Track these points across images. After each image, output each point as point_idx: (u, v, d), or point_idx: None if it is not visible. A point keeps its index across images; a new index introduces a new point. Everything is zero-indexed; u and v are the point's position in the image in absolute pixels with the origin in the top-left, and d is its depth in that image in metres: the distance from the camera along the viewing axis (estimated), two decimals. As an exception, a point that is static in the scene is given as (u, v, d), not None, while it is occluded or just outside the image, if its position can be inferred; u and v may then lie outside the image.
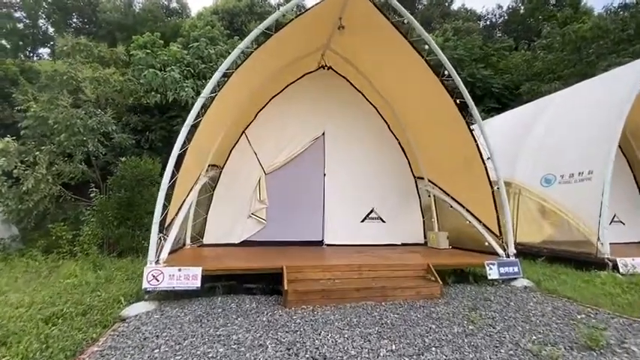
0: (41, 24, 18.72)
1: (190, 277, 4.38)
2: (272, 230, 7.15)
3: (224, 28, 15.99)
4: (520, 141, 8.84)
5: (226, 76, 5.10)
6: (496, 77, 16.74)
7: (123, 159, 8.77)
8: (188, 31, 15.07)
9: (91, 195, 8.38)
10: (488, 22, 27.53)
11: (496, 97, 16.20)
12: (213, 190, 7.06)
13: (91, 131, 8.69)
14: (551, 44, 16.30)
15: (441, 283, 4.78)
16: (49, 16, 18.69)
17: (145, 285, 4.25)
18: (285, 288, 4.25)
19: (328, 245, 7.21)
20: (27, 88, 10.39)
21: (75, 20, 20.14)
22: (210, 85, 4.81)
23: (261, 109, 7.47)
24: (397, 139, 8.05)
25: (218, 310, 4.16)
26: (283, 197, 7.32)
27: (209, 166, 7.08)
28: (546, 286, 5.31)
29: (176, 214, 5.05)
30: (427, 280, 4.94)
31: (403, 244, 7.60)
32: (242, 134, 7.34)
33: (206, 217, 6.96)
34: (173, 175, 4.62)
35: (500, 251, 5.80)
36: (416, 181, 8.05)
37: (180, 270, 4.37)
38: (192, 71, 11.80)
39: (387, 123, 8.04)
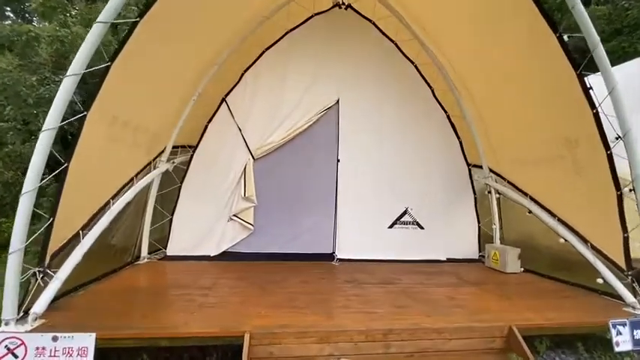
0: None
1: (75, 353, 2.42)
2: (262, 238, 5.09)
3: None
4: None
5: None
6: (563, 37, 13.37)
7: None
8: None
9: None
10: (546, -23, 23.22)
11: (563, 62, 12.91)
12: (182, 182, 5.06)
13: (48, 102, 6.91)
14: (638, -7, 12.67)
15: (538, 371, 2.55)
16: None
17: (-11, 366, 2.35)
18: (241, 389, 2.19)
19: (341, 260, 5.08)
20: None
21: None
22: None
23: (248, 68, 5.26)
24: (445, 111, 5.60)
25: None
26: (278, 193, 5.20)
27: (179, 147, 5.13)
28: None
29: (82, 230, 3.07)
30: (510, 361, 2.71)
31: (449, 260, 5.32)
32: (222, 102, 5.20)
33: (171, 219, 5.00)
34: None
35: (627, 296, 3.42)
36: (470, 172, 5.64)
37: (56, 339, 2.41)
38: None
39: (430, 87, 5.59)
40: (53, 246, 2.77)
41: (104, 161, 3.19)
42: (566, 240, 4.00)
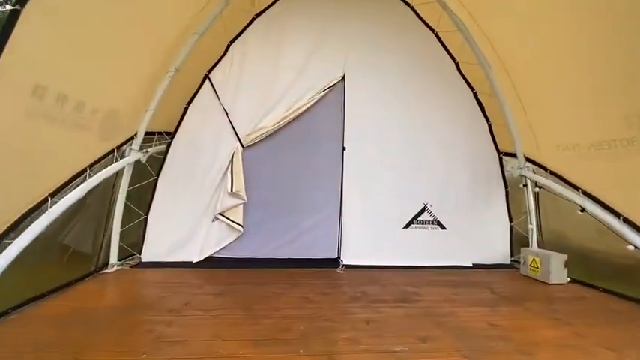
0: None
1: None
2: (253, 241, 4.31)
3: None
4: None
5: None
6: None
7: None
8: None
9: None
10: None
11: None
12: (158, 175, 4.28)
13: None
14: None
15: None
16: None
17: None
18: None
19: (348, 267, 4.27)
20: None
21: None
22: None
23: (235, 38, 4.42)
24: (472, 89, 4.71)
25: None
26: (273, 187, 4.42)
27: (154, 134, 4.38)
28: None
29: (1, 239, 2.29)
30: None
31: (476, 267, 4.49)
32: (204, 79, 4.38)
33: (146, 219, 4.23)
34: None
35: None
36: (501, 161, 4.75)
37: None
38: None
39: (454, 60, 4.69)
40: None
41: (30, 146, 2.40)
42: (636, 247, 3.13)
